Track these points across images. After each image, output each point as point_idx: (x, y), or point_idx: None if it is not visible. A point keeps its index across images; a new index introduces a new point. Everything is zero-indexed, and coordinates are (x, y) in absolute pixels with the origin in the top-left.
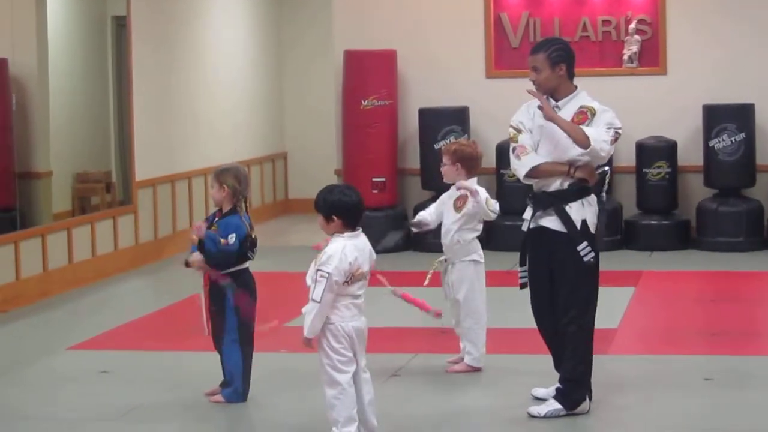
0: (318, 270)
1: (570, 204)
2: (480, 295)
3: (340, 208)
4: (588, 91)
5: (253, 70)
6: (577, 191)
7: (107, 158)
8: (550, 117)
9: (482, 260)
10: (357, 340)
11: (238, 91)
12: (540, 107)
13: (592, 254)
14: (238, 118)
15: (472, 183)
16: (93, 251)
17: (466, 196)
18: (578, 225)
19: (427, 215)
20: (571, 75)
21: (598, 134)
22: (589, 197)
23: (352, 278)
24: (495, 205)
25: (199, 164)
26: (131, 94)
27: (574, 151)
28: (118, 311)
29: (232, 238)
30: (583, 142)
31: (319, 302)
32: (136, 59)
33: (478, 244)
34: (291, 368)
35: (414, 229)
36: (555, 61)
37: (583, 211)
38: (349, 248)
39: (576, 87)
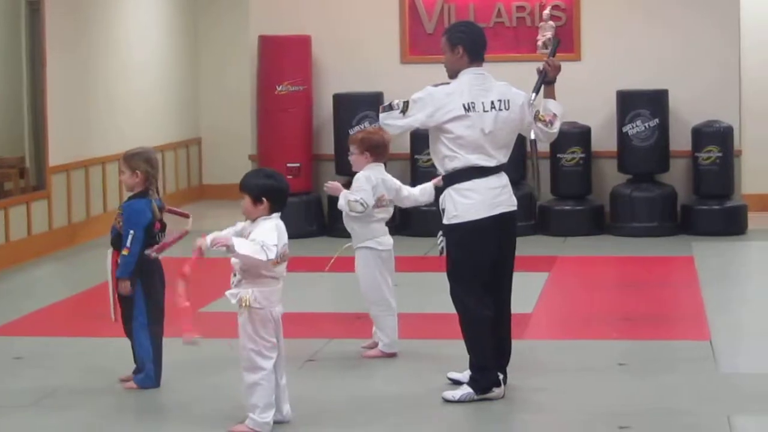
0: (263, 241)
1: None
2: (381, 283)
3: (271, 192)
4: (499, 75)
5: (168, 54)
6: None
7: (20, 143)
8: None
9: (381, 247)
10: (280, 325)
11: (152, 76)
12: None
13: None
14: (152, 103)
15: (365, 169)
16: (6, 237)
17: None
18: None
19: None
20: (473, 57)
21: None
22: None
23: (282, 258)
24: (356, 206)
25: (114, 149)
26: (45, 78)
27: None
28: (32, 297)
29: (130, 239)
30: None
31: (267, 258)
32: (50, 43)
33: (377, 231)
34: (205, 354)
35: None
36: (453, 42)
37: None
38: (282, 228)
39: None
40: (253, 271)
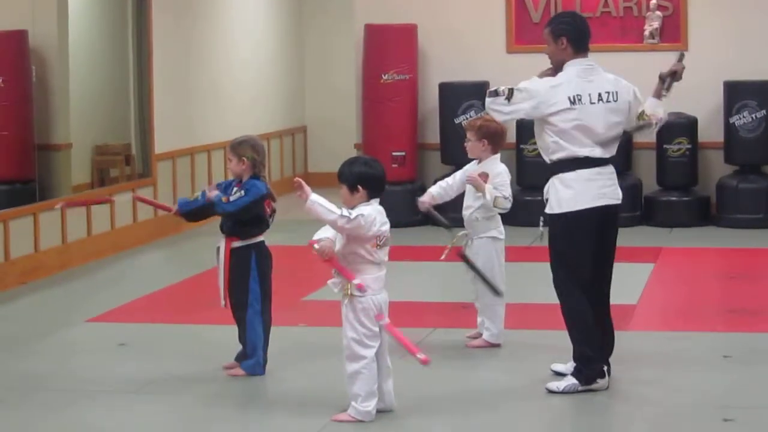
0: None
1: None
2: (499, 272)
3: (366, 179)
4: (605, 66)
5: (273, 43)
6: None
7: (127, 130)
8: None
9: (502, 236)
10: (384, 312)
11: (258, 64)
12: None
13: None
14: (257, 91)
15: (495, 162)
16: (112, 224)
17: (487, 175)
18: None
19: (438, 190)
20: (577, 48)
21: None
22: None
23: (382, 241)
24: (504, 203)
25: (219, 137)
26: (151, 65)
27: None
28: (137, 284)
29: (237, 195)
30: None
31: (348, 218)
32: (156, 31)
33: (498, 221)
34: (308, 342)
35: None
36: (557, 34)
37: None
38: (379, 216)
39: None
40: (352, 259)
